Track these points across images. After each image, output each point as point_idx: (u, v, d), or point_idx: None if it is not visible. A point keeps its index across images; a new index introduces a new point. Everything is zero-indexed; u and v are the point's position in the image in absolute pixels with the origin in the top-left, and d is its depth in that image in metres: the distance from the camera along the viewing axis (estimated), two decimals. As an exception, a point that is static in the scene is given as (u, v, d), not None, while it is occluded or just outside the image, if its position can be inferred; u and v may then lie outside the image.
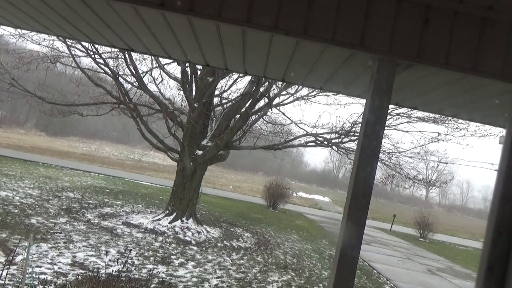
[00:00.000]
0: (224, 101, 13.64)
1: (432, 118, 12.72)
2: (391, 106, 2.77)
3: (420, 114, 12.92)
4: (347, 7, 2.22)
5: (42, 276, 5.88)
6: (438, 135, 13.38)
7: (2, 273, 5.26)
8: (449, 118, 12.52)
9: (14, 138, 39.36)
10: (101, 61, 11.81)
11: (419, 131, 13.80)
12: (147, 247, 8.89)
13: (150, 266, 7.51)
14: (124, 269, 6.92)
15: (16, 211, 9.83)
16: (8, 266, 5.79)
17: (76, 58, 12.22)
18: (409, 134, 13.95)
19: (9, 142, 33.59)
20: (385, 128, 3.21)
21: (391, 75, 2.32)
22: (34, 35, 11.41)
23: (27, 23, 3.22)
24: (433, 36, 2.24)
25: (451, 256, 19.15)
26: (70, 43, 11.39)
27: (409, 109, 12.39)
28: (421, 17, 2.23)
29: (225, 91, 13.43)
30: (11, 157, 23.07)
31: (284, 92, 13.28)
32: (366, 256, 13.59)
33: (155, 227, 10.84)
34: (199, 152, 11.82)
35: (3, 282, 5.11)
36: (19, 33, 11.32)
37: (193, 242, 10.35)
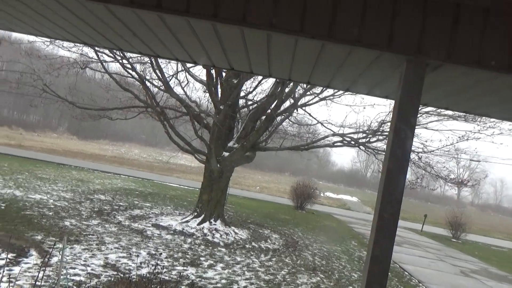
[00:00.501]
0: (249, 102, 13.67)
1: (463, 116, 12.36)
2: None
3: (450, 112, 12.59)
4: (373, 9, 2.17)
5: (76, 278, 6.04)
6: (466, 133, 12.98)
7: (38, 275, 5.43)
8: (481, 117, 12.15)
9: (47, 142, 40.68)
10: (129, 66, 12.05)
11: (449, 130, 13.44)
12: (177, 249, 9.00)
13: (180, 268, 7.60)
14: (154, 271, 7.02)
15: (50, 213, 10.14)
16: (43, 268, 5.98)
17: (104, 64, 12.51)
18: (439, 133, 13.58)
19: (43, 146, 34.73)
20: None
21: (420, 76, 2.27)
22: (65, 42, 11.75)
23: (58, 33, 3.31)
24: (464, 35, 2.17)
25: (485, 257, 18.55)
26: (98, 49, 11.67)
27: (439, 108, 12.10)
28: (451, 15, 2.16)
29: (250, 92, 13.46)
30: (45, 160, 23.84)
31: (310, 93, 13.19)
32: (396, 257, 13.34)
33: (184, 229, 10.96)
34: (226, 154, 11.89)
35: (39, 283, 5.28)
36: (48, 41, 11.66)
37: (222, 243, 10.41)
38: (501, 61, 2.17)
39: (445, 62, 2.20)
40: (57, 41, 11.67)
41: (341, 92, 13.27)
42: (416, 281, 10.74)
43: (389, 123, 12.49)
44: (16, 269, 5.93)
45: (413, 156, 13.39)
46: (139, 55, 12.04)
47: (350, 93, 12.72)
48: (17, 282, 5.44)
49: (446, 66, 2.27)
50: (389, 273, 10.66)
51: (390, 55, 2.24)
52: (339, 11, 2.18)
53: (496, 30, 2.16)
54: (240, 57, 2.95)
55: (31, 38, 11.90)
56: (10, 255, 6.48)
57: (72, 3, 2.46)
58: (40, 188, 13.72)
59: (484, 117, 11.94)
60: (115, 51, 11.62)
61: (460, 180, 16.23)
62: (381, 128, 12.89)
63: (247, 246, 10.67)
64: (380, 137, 12.99)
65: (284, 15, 2.19)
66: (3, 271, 5.69)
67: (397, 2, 2.17)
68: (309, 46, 2.42)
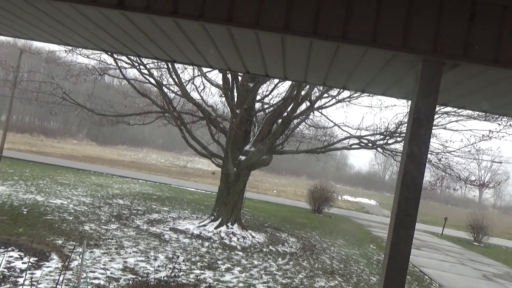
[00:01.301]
0: (265, 106, 13.68)
1: (483, 115, 12.13)
2: (437, 106, 2.67)
3: (469, 111, 12.37)
4: (387, 9, 2.17)
5: (95, 281, 6.12)
6: (490, 133, 12.71)
7: (59, 278, 5.53)
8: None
9: (67, 148, 41.45)
10: (146, 72, 12.21)
11: (469, 130, 13.20)
12: (194, 253, 9.04)
13: (197, 271, 7.63)
14: (172, 274, 7.07)
15: (70, 218, 10.31)
16: (64, 272, 6.08)
17: (122, 70, 12.71)
18: (459, 133, 13.34)
19: (63, 152, 35.38)
20: (433, 127, 3.10)
21: (437, 75, 2.25)
22: (83, 50, 11.98)
23: (77, 41, 3.38)
24: (481, 33, 2.14)
25: (508, 261, 18.11)
26: (116, 56, 11.86)
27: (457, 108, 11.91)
28: (467, 13, 2.14)
29: (266, 96, 13.49)
30: (65, 166, 24.29)
31: (326, 95, 13.14)
32: (416, 261, 13.13)
33: (201, 233, 11.01)
34: (242, 158, 11.91)
35: (60, 286, 5.37)
36: (66, 48, 11.90)
37: (239, 247, 10.42)
38: (520, 58, 2.13)
39: (461, 61, 2.18)
40: (76, 49, 11.91)
41: (357, 94, 13.19)
42: (437, 285, 10.55)
43: (406, 124, 12.35)
44: (38, 273, 6.04)
45: (432, 157, 13.19)
46: (155, 61, 12.21)
47: (366, 94, 12.64)
48: (38, 286, 5.55)
49: (463, 65, 2.24)
50: (409, 277, 10.50)
51: (405, 55, 2.23)
52: (352, 12, 2.18)
53: (514, 27, 2.13)
54: (255, 60, 2.97)
55: (51, 47, 12.19)
56: (32, 259, 6.61)
57: (90, 11, 2.52)
58: (61, 193, 13.98)
59: (505, 117, 11.71)
60: (132, 57, 11.80)
61: (481, 182, 15.91)
62: (399, 130, 12.74)
63: (264, 249, 10.66)
64: (398, 139, 12.84)
65: (298, 17, 2.20)
66: (26, 275, 5.82)
67: (412, 1, 2.15)
68: (323, 48, 2.42)
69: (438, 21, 2.15)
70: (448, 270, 13.00)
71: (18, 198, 11.71)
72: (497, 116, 11.97)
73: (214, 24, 2.29)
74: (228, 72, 12.14)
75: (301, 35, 2.21)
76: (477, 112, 12.30)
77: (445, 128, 13.33)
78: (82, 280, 5.40)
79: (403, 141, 12.78)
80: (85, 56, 12.35)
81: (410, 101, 2.80)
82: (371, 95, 13.10)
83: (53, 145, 43.28)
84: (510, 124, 12.42)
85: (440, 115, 12.63)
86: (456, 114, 12.65)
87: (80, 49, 11.84)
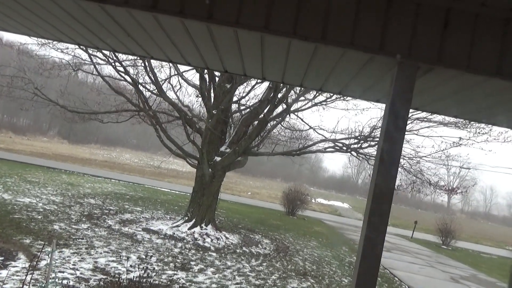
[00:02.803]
0: (242, 107, 13.69)
1: (454, 122, 12.49)
2: (411, 111, 2.74)
3: (440, 118, 12.72)
4: (366, 12, 2.21)
5: (64, 281, 5.97)
6: (460, 140, 13.10)
7: (26, 278, 5.37)
8: (471, 122, 12.28)
9: (37, 146, 40.30)
10: (122, 69, 12.01)
11: (440, 136, 13.57)
12: (167, 253, 8.94)
13: (170, 272, 7.55)
14: (144, 275, 6.97)
15: (39, 217, 10.03)
16: (32, 271, 5.91)
17: (97, 66, 12.46)
18: (430, 139, 13.69)
19: (33, 150, 34.39)
20: (406, 133, 3.17)
21: (411, 79, 2.30)
22: (57, 43, 11.68)
23: (52, 33, 3.30)
24: (454, 39, 2.21)
25: (474, 264, 18.68)
26: (91, 51, 11.62)
27: (430, 114, 12.22)
28: (441, 20, 2.20)
29: (243, 97, 13.49)
30: (34, 164, 23.60)
31: (302, 98, 13.25)
32: (387, 263, 13.38)
33: (174, 233, 10.90)
34: (218, 159, 11.87)
35: (27, 286, 5.21)
36: (39, 41, 11.58)
37: (212, 248, 10.37)
38: (490, 65, 2.21)
39: (435, 66, 2.24)
40: (50, 42, 11.61)
41: (333, 97, 13.36)
42: (406, 286, 10.78)
43: (380, 129, 12.59)
44: (4, 273, 5.85)
45: (404, 162, 13.49)
46: (132, 59, 12.03)
47: (343, 97, 12.81)
48: (4, 286, 5.37)
49: (436, 70, 2.30)
50: (380, 279, 10.67)
51: (382, 58, 2.27)
52: (332, 13, 2.21)
53: (485, 34, 2.21)
54: (234, 59, 2.97)
55: (23, 40, 11.84)
56: (-2, 258, 6.39)
57: (67, 2, 2.47)
58: (29, 191, 13.58)
59: (474, 124, 12.09)
60: (108, 54, 11.59)
61: (450, 188, 16.35)
62: (373, 134, 12.97)
63: (237, 251, 10.64)
64: (372, 143, 13.07)
65: (278, 17, 2.22)
66: (-9, 274, 5.62)
67: (390, 5, 2.20)
68: (302, 48, 2.45)
69: (414, 26, 2.21)
70: (418, 272, 13.30)
71: (-16, 196, 11.32)
72: (467, 123, 12.37)
73: (193, 21, 2.28)
74: (205, 72, 12.09)
75: (281, 35, 2.23)
76: (448, 119, 12.67)
77: (417, 134, 13.66)
78: (50, 280, 5.25)
79: (376, 145, 13.03)
80: (59, 51, 12.05)
81: (384, 105, 2.86)
82: (347, 98, 13.29)
83: (23, 142, 42.01)
84: (478, 132, 12.84)
85: (412, 121, 12.93)
86: (428, 120, 12.98)
87: (54, 43, 11.55)
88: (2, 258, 6.50)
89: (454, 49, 2.22)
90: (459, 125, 12.55)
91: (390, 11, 2.20)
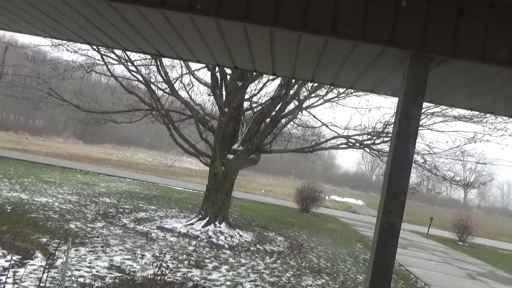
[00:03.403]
0: (254, 105, 13.67)
1: (469, 116, 12.28)
2: (425, 105, 2.68)
3: (455, 112, 12.52)
4: (377, 3, 2.17)
5: (80, 279, 6.04)
6: (474, 136, 12.86)
7: (43, 276, 5.44)
8: (487, 116, 12.06)
9: (53, 146, 40.90)
10: (134, 69, 12.09)
11: (455, 131, 13.35)
12: (181, 251, 8.99)
13: (184, 270, 7.59)
14: (159, 273, 7.02)
15: (55, 216, 10.17)
16: (48, 269, 5.99)
17: (109, 67, 12.57)
18: (444, 134, 13.48)
19: (49, 151, 34.91)
20: (419, 127, 3.12)
21: (425, 71, 2.26)
22: (71, 44, 11.81)
23: (64, 34, 3.33)
24: (468, 29, 2.16)
25: (492, 260, 18.38)
26: (103, 52, 11.72)
27: (444, 108, 12.04)
28: (455, 9, 2.15)
29: (254, 95, 13.46)
30: (50, 164, 23.95)
31: (314, 95, 13.17)
32: (402, 260, 13.25)
33: (188, 231, 10.95)
34: (230, 157, 11.88)
35: (44, 284, 5.28)
36: (53, 42, 11.71)
37: (226, 246, 10.39)
38: (506, 55, 2.15)
39: (449, 57, 2.19)
40: (63, 44, 11.74)
41: (345, 93, 13.25)
42: (422, 283, 10.66)
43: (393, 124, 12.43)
44: (21, 271, 5.94)
45: (418, 158, 13.31)
46: (143, 58, 12.10)
47: (354, 91, 12.69)
48: (22, 284, 5.45)
49: (450, 61, 2.25)
50: (395, 276, 10.57)
51: (394, 50, 2.23)
52: (342, 6, 2.17)
53: (501, 23, 2.15)
54: (244, 55, 2.96)
55: (37, 42, 12.00)
56: (15, 257, 6.50)
57: (77, 2, 2.48)
58: (46, 191, 13.78)
59: (490, 118, 11.87)
60: (120, 54, 11.68)
61: (466, 183, 16.10)
62: (386, 130, 12.82)
63: (251, 248, 10.65)
64: (385, 139, 12.93)
65: (287, 10, 2.19)
66: (8, 273, 5.71)
67: (401, -4, 2.16)
68: (312, 42, 2.42)
69: (427, 17, 2.17)
70: (434, 269, 13.14)
71: (1, 196, 11.51)
72: (482, 117, 12.15)
73: (202, 17, 2.27)
74: (217, 70, 12.10)
75: (290, 28, 2.21)
76: (463, 114, 12.47)
77: (431, 129, 13.47)
78: (66, 278, 5.32)
79: (390, 141, 12.87)
80: (72, 52, 12.18)
81: (397, 99, 2.81)
82: (358, 94, 13.17)
83: (39, 143, 42.66)
84: (494, 127, 12.59)
85: (425, 115, 12.75)
86: (442, 115, 12.79)
87: (67, 44, 11.67)
88: (20, 256, 6.60)
89: (468, 40, 2.16)
90: (474, 119, 12.33)
91: (401, 1, 2.16)
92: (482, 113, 11.27)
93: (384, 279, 2.31)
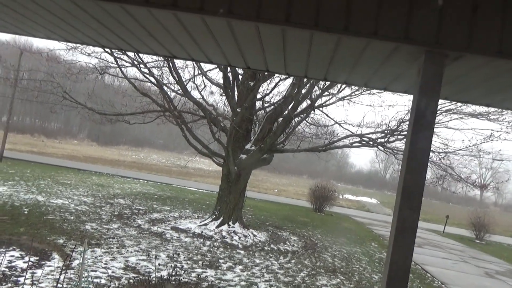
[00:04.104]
0: (266, 104, 13.65)
1: (486, 114, 12.07)
2: (440, 102, 2.64)
3: (471, 110, 12.32)
4: (390, 0, 2.14)
5: (97, 280, 6.11)
6: (491, 134, 12.62)
7: (60, 277, 5.51)
8: (503, 114, 11.85)
9: (68, 148, 41.45)
10: (146, 71, 12.17)
11: (471, 128, 13.13)
12: (196, 251, 9.02)
13: (199, 270, 7.62)
14: (173, 273, 7.05)
15: (72, 218, 10.30)
16: (65, 271, 6.06)
17: (122, 69, 12.67)
18: (460, 132, 13.27)
19: (64, 153, 35.39)
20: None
21: (440, 67, 2.22)
22: (84, 47, 11.95)
23: (77, 37, 3.36)
24: (484, 23, 2.11)
25: (510, 258, 18.07)
26: (116, 54, 11.82)
27: (459, 105, 11.86)
28: (470, 3, 2.11)
29: (267, 94, 13.44)
30: (66, 166, 24.29)
31: (327, 93, 13.10)
32: (418, 259, 13.10)
33: (202, 232, 10.99)
34: (243, 157, 11.89)
35: (61, 285, 5.36)
36: (67, 45, 11.86)
37: (240, 246, 10.40)
38: (524, 49, 2.10)
39: (465, 52, 2.15)
40: (76, 47, 11.88)
41: (358, 91, 13.15)
42: (439, 282, 10.53)
43: (407, 122, 12.29)
44: (39, 272, 6.03)
45: (433, 156, 13.14)
46: (156, 60, 12.17)
47: (368, 89, 12.58)
48: (40, 285, 5.53)
49: (466, 57, 2.21)
50: (411, 275, 10.47)
51: (408, 47, 2.20)
52: (354, 3, 2.15)
53: (518, 17, 2.10)
54: (256, 55, 2.95)
55: (51, 46, 12.16)
56: (33, 259, 6.60)
57: (89, 5, 2.50)
58: (62, 193, 13.96)
59: (507, 116, 11.66)
60: (133, 56, 11.77)
61: (482, 184, 15.84)
62: (400, 127, 12.69)
63: (265, 248, 10.64)
64: (399, 137, 12.79)
65: (299, 9, 2.17)
66: (27, 274, 5.80)
67: (414, -8, 2.13)
68: (324, 41, 2.40)
69: (441, 12, 2.13)
70: (450, 268, 12.98)
71: (19, 198, 11.70)
72: (499, 114, 11.93)
73: (214, 17, 2.26)
74: (228, 70, 12.11)
75: (302, 27, 2.19)
76: (479, 110, 12.25)
77: (446, 127, 13.30)
78: (83, 279, 5.38)
79: (404, 139, 12.75)
80: (86, 54, 12.32)
81: (412, 97, 2.77)
82: (372, 91, 13.05)
83: (54, 145, 43.29)
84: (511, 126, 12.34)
85: (441, 113, 12.58)
86: (458, 112, 12.60)
87: (81, 47, 11.81)
88: (38, 257, 6.70)
89: (484, 34, 2.12)
90: (490, 117, 12.12)
91: (414, -3, 2.12)
92: (499, 110, 11.07)
93: (401, 278, 2.28)
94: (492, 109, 11.44)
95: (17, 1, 2.70)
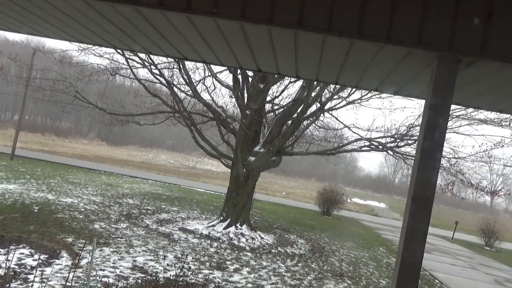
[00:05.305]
0: (275, 107, 13.65)
1: (497, 120, 11.94)
2: (452, 107, 2.62)
3: (482, 116, 12.19)
4: (403, 3, 2.13)
5: (105, 279, 6.14)
6: (501, 141, 12.49)
7: (68, 276, 5.56)
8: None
9: (78, 148, 41.80)
10: (157, 72, 12.24)
11: (482, 135, 13.00)
12: (203, 253, 9.04)
13: (206, 271, 7.62)
14: (181, 274, 7.07)
15: (81, 216, 10.38)
16: (74, 269, 6.11)
17: (133, 70, 12.75)
18: (471, 138, 13.15)
19: (74, 152, 35.69)
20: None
21: (453, 73, 2.21)
22: (96, 48, 12.06)
23: (90, 38, 3.40)
24: (499, 28, 2.10)
25: (521, 266, 17.84)
26: (128, 56, 11.91)
27: (470, 111, 11.75)
28: (485, 9, 2.09)
29: (276, 97, 13.45)
30: (76, 166, 24.49)
31: (336, 96, 13.06)
32: (427, 265, 12.99)
33: (210, 233, 11.01)
34: (252, 159, 11.89)
35: (69, 284, 5.39)
36: (80, 46, 11.97)
37: (247, 248, 10.39)
38: (539, 56, 2.08)
39: (479, 58, 2.13)
40: (89, 48, 11.99)
41: (368, 95, 13.10)
42: (448, 289, 10.43)
43: (417, 127, 12.21)
44: (48, 270, 6.08)
45: (443, 162, 13.03)
46: (166, 62, 12.24)
47: (378, 94, 12.52)
48: (49, 282, 5.58)
49: (480, 62, 2.20)
50: (419, 281, 10.37)
51: (421, 52, 2.19)
52: (367, 7, 2.14)
53: (533, 23, 2.08)
54: (267, 58, 2.95)
55: (64, 46, 12.30)
56: (42, 256, 6.65)
57: (103, 7, 2.52)
58: (71, 192, 14.08)
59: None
60: (143, 57, 11.84)
61: (492, 190, 15.67)
62: (410, 132, 12.61)
63: (273, 250, 10.62)
64: (409, 142, 12.71)
65: (312, 13, 2.18)
66: (36, 272, 5.86)
67: (428, -3, 2.12)
68: (337, 45, 2.39)
69: (455, 17, 2.12)
70: (459, 274, 12.84)
71: (29, 197, 11.82)
72: (511, 121, 11.78)
73: (227, 20, 2.27)
74: (238, 72, 12.14)
75: (315, 31, 2.19)
76: (490, 117, 12.13)
77: (456, 132, 13.18)
78: (91, 278, 5.41)
79: (414, 144, 12.65)
80: (98, 55, 12.43)
81: (423, 101, 2.75)
82: (382, 95, 12.99)
83: (65, 144, 43.68)
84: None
85: (451, 118, 12.47)
86: (468, 118, 12.48)
87: (93, 48, 11.92)
88: (47, 256, 6.76)
89: (498, 40, 2.10)
90: (502, 123, 11.98)
91: (428, 1, 2.11)
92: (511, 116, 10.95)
93: (410, 284, 2.26)
94: (503, 115, 11.32)
95: (32, 2, 2.74)
